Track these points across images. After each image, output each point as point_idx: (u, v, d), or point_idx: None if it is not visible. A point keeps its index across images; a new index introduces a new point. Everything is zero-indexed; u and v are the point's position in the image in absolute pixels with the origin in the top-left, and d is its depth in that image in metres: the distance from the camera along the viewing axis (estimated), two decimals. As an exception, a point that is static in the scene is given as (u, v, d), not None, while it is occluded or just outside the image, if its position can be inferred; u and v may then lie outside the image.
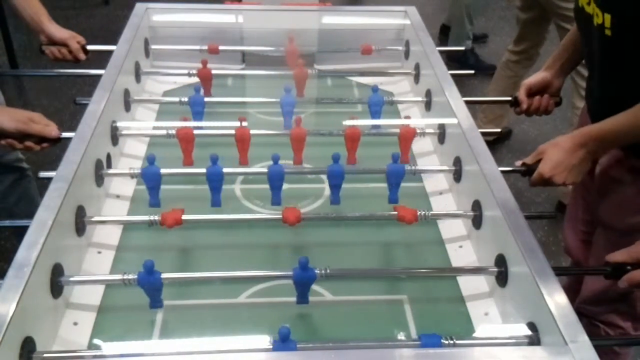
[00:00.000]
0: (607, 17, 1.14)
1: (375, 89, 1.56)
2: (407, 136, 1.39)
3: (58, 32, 1.70)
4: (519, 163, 1.25)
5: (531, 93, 1.50)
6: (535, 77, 1.50)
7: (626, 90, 1.20)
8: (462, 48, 1.81)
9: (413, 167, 1.32)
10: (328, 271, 1.02)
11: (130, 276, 0.98)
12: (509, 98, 1.55)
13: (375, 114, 1.54)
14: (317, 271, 1.00)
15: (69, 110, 3.18)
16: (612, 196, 1.37)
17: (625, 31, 1.14)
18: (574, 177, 1.18)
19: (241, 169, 1.36)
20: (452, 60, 3.67)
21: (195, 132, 1.40)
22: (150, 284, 0.98)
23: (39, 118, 1.32)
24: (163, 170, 1.22)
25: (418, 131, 1.42)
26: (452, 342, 0.89)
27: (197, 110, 1.50)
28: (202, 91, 1.53)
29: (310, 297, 1.05)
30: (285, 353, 0.84)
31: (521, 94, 1.50)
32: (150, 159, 1.22)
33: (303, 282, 1.01)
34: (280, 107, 1.50)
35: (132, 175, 1.26)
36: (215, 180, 1.22)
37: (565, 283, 1.67)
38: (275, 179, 1.23)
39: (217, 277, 1.08)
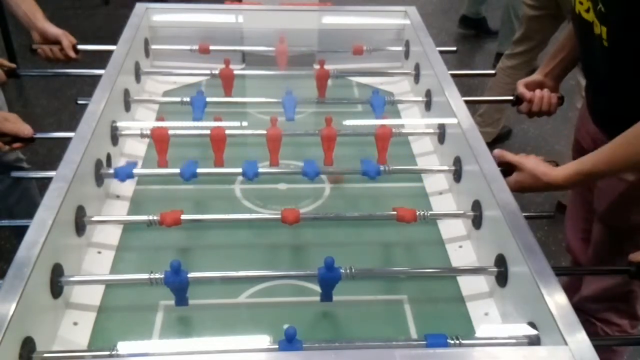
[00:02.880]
0: (604, 29, 1.14)
1: (376, 91, 1.57)
2: (384, 136, 1.39)
3: (51, 28, 1.72)
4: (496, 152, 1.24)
5: (529, 89, 1.51)
6: (530, 77, 1.52)
7: (625, 102, 1.21)
8: (454, 49, 1.86)
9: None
10: (353, 271, 1.01)
11: (157, 275, 0.98)
12: (511, 97, 1.56)
13: (376, 115, 1.54)
14: (342, 271, 1.00)
15: (69, 110, 3.17)
16: (612, 193, 1.37)
17: (621, 44, 1.14)
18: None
19: (241, 169, 1.36)
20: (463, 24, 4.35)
21: (201, 132, 1.39)
22: (177, 284, 0.98)
23: (14, 118, 1.32)
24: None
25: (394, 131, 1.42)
26: (458, 342, 0.89)
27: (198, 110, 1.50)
28: (203, 91, 1.53)
29: (309, 297, 1.05)
30: (292, 353, 0.84)
31: (520, 88, 1.50)
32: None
33: (328, 282, 1.01)
34: (282, 107, 1.50)
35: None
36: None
37: (566, 281, 1.67)
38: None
39: (242, 276, 1.08)
